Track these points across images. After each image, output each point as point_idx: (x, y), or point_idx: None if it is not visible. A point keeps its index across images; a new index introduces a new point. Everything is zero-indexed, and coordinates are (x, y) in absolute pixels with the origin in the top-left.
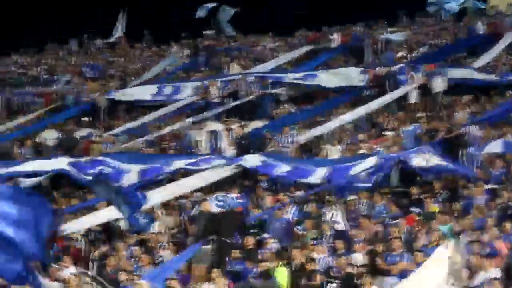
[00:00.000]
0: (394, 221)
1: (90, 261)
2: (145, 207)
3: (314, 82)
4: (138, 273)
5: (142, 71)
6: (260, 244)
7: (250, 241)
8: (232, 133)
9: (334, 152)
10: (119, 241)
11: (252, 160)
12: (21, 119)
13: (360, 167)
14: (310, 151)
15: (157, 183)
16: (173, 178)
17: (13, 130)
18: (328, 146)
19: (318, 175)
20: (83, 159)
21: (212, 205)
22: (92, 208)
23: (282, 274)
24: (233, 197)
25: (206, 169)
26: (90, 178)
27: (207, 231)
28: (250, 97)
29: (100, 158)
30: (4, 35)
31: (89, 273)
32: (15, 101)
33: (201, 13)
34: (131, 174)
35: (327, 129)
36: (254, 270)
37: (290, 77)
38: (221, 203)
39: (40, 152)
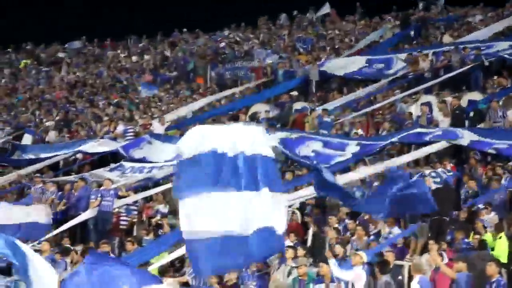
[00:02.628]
0: None
1: (305, 234)
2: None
3: None
4: (353, 245)
5: (353, 44)
6: (474, 215)
7: (463, 213)
8: (447, 104)
9: None
10: (332, 215)
11: (468, 136)
12: (233, 94)
13: None
14: None
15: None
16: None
17: (226, 104)
18: None
19: None
20: (293, 136)
21: (430, 181)
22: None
23: (501, 246)
24: (446, 171)
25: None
26: (299, 156)
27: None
28: (463, 68)
29: (307, 135)
30: (215, 10)
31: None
32: (227, 76)
33: None
34: (345, 153)
35: None
36: (468, 241)
37: (502, 46)
38: (437, 179)
39: None
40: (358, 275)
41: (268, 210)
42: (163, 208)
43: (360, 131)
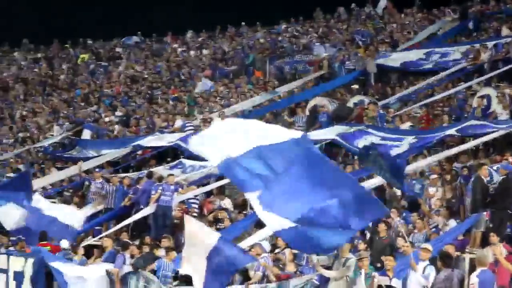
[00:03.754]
0: None
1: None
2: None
3: None
4: (412, 238)
5: (411, 37)
6: None
7: None
8: (506, 97)
9: None
10: (392, 207)
11: None
12: (291, 88)
13: None
14: None
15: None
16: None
17: (283, 98)
18: None
19: None
20: (351, 130)
21: (489, 172)
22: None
23: None
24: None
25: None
26: (359, 148)
27: (482, 202)
28: None
29: (365, 129)
30: (274, 4)
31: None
32: (286, 70)
33: None
34: (402, 145)
35: None
36: None
37: None
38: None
39: (311, 120)
40: (432, 276)
41: None
42: (224, 203)
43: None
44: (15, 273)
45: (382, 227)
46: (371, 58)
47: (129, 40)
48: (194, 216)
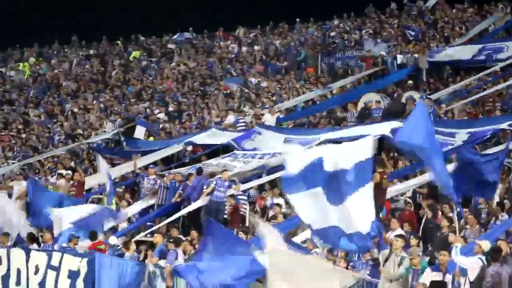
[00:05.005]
0: None
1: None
2: None
3: None
4: (465, 234)
5: (463, 32)
6: None
7: None
8: None
9: None
10: (444, 202)
11: None
12: (343, 84)
13: None
14: None
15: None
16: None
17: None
18: None
19: None
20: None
21: None
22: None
23: None
24: None
25: None
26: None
27: None
28: None
29: None
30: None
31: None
32: (338, 66)
33: None
34: (456, 141)
35: None
36: None
37: None
38: None
39: (364, 116)
40: (477, 263)
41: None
42: (277, 199)
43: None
44: (70, 271)
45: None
46: (423, 53)
47: (181, 36)
48: (243, 212)
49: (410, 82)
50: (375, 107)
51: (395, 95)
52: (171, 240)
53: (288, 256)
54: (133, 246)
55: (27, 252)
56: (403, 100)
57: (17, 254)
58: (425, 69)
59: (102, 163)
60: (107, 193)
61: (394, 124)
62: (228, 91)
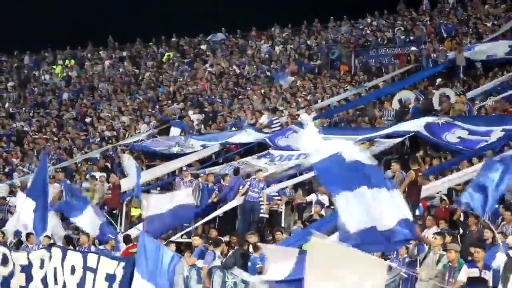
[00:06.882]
0: None
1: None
2: None
3: None
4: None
5: (495, 28)
6: None
7: None
8: None
9: None
10: None
11: None
12: (378, 81)
13: None
14: None
15: None
16: None
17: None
18: None
19: None
20: (440, 121)
21: None
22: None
23: None
24: None
25: None
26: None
27: None
28: None
29: (454, 122)
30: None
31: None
32: (371, 64)
33: None
34: (490, 138)
35: None
36: None
37: None
38: None
39: (403, 114)
40: None
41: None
42: (322, 196)
43: None
44: (107, 274)
45: (472, 220)
46: (459, 50)
47: (214, 37)
48: (275, 210)
49: (439, 79)
50: (413, 105)
51: (426, 92)
52: (211, 241)
53: (331, 248)
54: (172, 247)
55: (64, 252)
56: (436, 97)
57: (55, 253)
58: (461, 66)
59: (131, 163)
60: (135, 193)
61: (428, 119)
62: (263, 91)
